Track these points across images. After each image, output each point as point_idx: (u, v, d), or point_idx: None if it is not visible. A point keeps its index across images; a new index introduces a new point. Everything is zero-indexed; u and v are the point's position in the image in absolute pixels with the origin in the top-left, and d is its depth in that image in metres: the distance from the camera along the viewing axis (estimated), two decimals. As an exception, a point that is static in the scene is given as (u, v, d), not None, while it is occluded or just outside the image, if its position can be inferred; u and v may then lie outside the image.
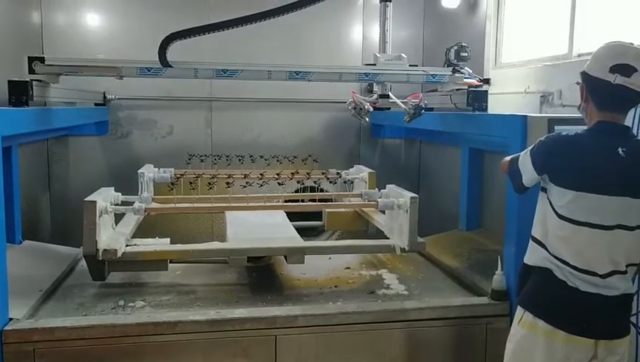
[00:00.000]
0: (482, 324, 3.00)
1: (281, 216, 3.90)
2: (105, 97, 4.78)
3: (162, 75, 3.27)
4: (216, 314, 2.80)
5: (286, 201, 3.69)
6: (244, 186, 3.56)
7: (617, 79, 2.13)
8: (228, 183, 3.42)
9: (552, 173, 2.24)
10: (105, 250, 2.89)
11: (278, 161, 4.35)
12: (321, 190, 4.29)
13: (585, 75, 2.27)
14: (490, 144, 3.78)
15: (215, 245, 3.27)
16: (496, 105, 3.84)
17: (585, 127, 2.31)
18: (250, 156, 4.31)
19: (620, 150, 2.17)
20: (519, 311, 2.37)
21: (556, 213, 2.22)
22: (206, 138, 5.10)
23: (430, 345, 2.99)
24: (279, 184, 3.42)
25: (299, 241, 3.35)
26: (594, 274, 2.18)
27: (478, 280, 3.30)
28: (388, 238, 3.40)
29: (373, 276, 3.60)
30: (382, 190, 3.55)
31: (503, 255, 3.08)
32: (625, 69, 2.13)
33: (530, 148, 2.35)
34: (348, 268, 3.74)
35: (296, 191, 4.05)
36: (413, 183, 5.29)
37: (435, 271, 3.75)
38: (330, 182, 3.85)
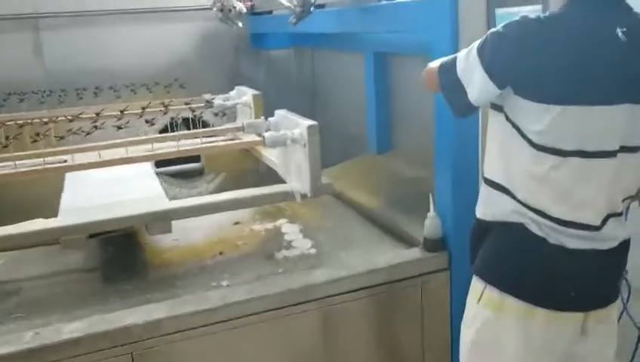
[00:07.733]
0: (417, 285, 2.26)
1: (142, 167, 2.94)
2: None
3: None
4: (34, 336, 1.85)
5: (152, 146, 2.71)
6: (87, 133, 2.65)
7: None
8: (62, 136, 2.49)
9: (522, 82, 1.44)
10: None
11: (132, 90, 3.47)
12: (204, 123, 3.38)
13: None
14: (402, 45, 2.96)
15: (37, 224, 2.26)
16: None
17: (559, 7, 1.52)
18: (96, 88, 3.38)
19: (618, 31, 1.41)
20: (477, 283, 1.64)
21: (530, 141, 1.45)
22: (36, 70, 3.88)
23: (354, 322, 2.21)
24: (119, 128, 2.43)
25: (162, 203, 2.44)
26: (584, 226, 1.48)
27: (404, 224, 2.57)
28: (284, 181, 2.60)
29: (269, 231, 2.79)
30: (270, 118, 2.67)
31: (434, 190, 2.34)
32: None
33: (476, 44, 1.52)
34: (237, 223, 2.90)
35: (164, 130, 3.21)
36: (309, 102, 4.42)
37: (346, 213, 2.98)
38: (200, 112, 2.94)
